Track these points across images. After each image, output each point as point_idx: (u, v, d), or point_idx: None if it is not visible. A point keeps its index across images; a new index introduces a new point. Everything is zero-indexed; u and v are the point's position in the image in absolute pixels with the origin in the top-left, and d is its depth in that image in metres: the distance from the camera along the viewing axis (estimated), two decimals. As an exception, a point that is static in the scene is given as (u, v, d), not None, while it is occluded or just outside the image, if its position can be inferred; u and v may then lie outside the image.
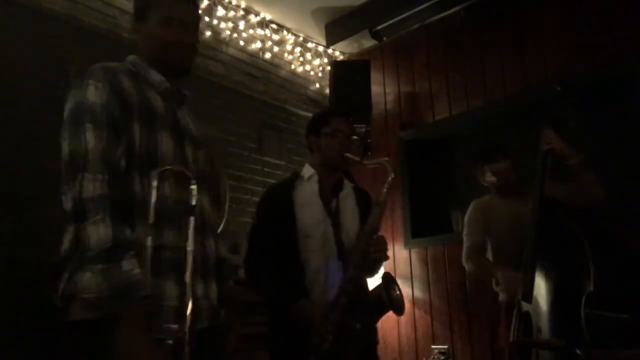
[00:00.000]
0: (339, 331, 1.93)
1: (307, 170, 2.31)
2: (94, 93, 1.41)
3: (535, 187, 2.54)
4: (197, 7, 1.68)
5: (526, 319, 2.39)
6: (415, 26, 4.44)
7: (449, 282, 3.97)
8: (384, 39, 4.64)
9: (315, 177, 2.26)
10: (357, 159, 2.22)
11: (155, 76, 1.56)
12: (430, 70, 4.36)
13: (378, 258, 2.11)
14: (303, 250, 2.12)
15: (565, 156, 2.56)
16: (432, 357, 3.90)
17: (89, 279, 1.30)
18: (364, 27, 4.53)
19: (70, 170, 1.34)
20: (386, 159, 2.21)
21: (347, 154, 2.19)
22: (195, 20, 1.63)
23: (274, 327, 2.16)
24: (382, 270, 2.29)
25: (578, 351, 2.18)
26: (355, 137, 2.34)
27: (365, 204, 2.27)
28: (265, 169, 4.12)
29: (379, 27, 4.54)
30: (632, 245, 2.97)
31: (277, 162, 4.26)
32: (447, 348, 3.87)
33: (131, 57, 1.60)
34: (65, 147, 1.38)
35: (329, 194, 2.25)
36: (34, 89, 2.94)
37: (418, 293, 4.13)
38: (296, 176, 2.33)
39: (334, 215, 2.20)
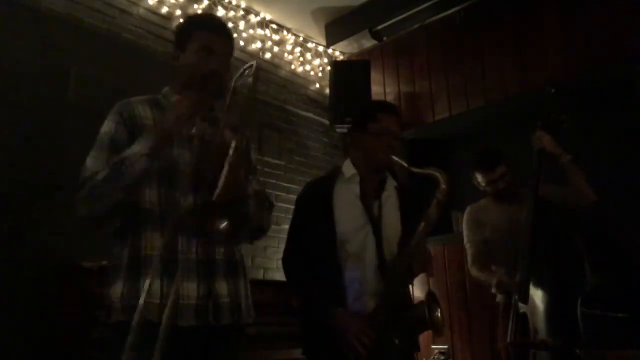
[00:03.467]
0: (377, 345, 1.84)
1: (348, 169, 2.12)
2: (106, 125, 1.64)
3: (531, 188, 2.55)
4: (232, 39, 1.77)
5: (523, 320, 2.39)
6: (415, 26, 4.44)
7: (449, 282, 3.97)
8: (384, 39, 4.64)
9: (357, 178, 2.09)
10: (405, 164, 2.01)
11: None
12: (430, 70, 4.36)
13: (419, 273, 2.03)
14: (341, 255, 2.00)
15: (556, 155, 2.59)
16: (432, 357, 3.90)
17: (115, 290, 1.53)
18: (364, 27, 4.53)
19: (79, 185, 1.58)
20: (439, 170, 1.99)
21: (395, 157, 2.02)
22: (229, 51, 1.74)
23: (310, 333, 2.06)
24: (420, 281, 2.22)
25: (578, 351, 2.19)
26: (402, 137, 2.15)
27: (409, 205, 2.12)
28: (266, 169, 4.12)
29: (379, 27, 4.54)
30: (627, 245, 2.98)
31: (277, 162, 4.25)
32: (447, 348, 3.87)
33: (164, 89, 1.76)
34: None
35: (370, 196, 2.08)
36: (34, 89, 2.94)
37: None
38: (337, 172, 2.16)
39: (375, 222, 2.04)
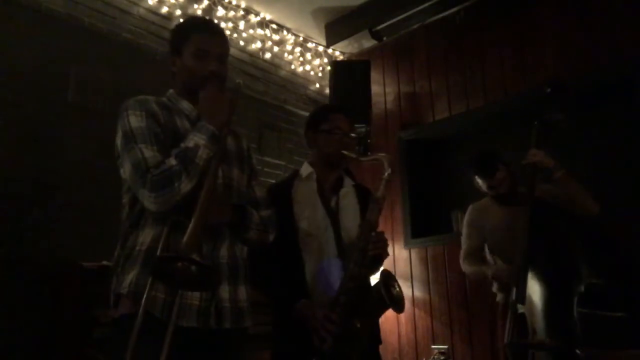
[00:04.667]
0: (341, 330, 1.90)
1: (306, 169, 2.26)
2: (134, 120, 1.57)
3: (527, 193, 2.55)
4: (226, 39, 1.78)
5: (521, 320, 2.39)
6: (415, 26, 4.44)
7: (449, 282, 3.97)
8: (384, 39, 4.65)
9: (314, 176, 2.21)
10: (354, 155, 2.17)
11: (186, 106, 1.71)
12: (430, 70, 4.36)
13: (378, 255, 2.08)
14: (304, 250, 2.09)
15: (548, 169, 2.58)
16: (432, 357, 3.90)
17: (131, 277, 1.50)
18: (364, 27, 4.53)
19: (137, 178, 1.49)
20: (383, 154, 2.14)
21: (344, 151, 2.14)
22: (225, 51, 1.75)
23: (278, 327, 2.14)
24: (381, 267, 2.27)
25: (578, 351, 2.19)
26: (353, 134, 2.25)
27: (367, 201, 2.21)
28: (266, 169, 4.12)
29: (379, 27, 4.54)
30: (624, 245, 2.97)
31: (277, 162, 4.26)
32: (447, 348, 3.87)
33: (169, 92, 1.76)
34: (128, 165, 1.53)
35: (328, 192, 2.21)
36: (34, 89, 2.95)
37: (418, 293, 4.13)
38: (295, 175, 2.29)
39: (333, 214, 2.16)
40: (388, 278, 2.03)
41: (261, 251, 2.09)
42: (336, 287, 2.00)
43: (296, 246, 2.10)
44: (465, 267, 3.02)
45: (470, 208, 3.11)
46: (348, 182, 2.28)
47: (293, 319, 1.99)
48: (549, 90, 2.68)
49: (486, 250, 3.01)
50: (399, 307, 2.03)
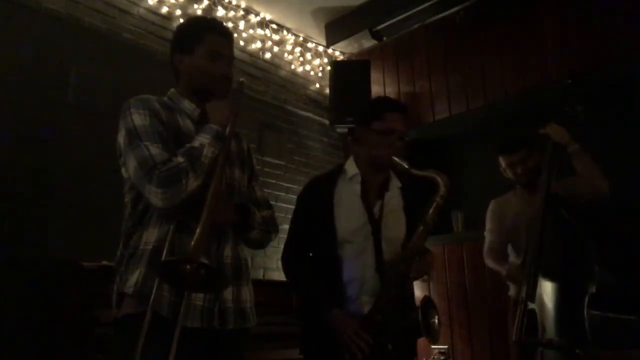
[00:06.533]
0: (370, 348, 1.82)
1: (351, 168, 2.09)
2: (137, 118, 1.57)
3: (543, 182, 2.53)
4: (233, 41, 1.81)
5: (531, 317, 2.37)
6: (415, 26, 4.44)
7: (449, 281, 3.97)
8: (384, 39, 4.64)
9: (358, 178, 2.05)
10: (405, 166, 1.96)
11: (188, 105, 1.71)
12: (430, 70, 4.36)
13: (416, 279, 2.01)
14: (340, 255, 1.97)
15: (563, 143, 2.57)
16: (432, 357, 3.90)
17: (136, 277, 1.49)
18: (364, 27, 4.53)
19: (143, 174, 1.48)
20: (440, 172, 1.95)
21: (395, 158, 1.97)
22: (233, 53, 1.79)
23: (307, 331, 2.04)
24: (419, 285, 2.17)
25: (578, 350, 2.18)
26: (407, 137, 2.06)
27: (413, 206, 2.08)
28: (265, 169, 4.12)
29: (379, 27, 4.54)
30: (637, 245, 2.94)
31: (277, 162, 4.26)
32: (447, 348, 3.87)
33: (170, 91, 1.76)
34: (133, 162, 1.51)
35: (372, 196, 2.04)
36: (34, 89, 2.95)
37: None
38: (340, 170, 2.12)
39: (375, 222, 2.00)
40: (429, 307, 1.92)
41: (297, 251, 2.08)
42: (372, 300, 1.92)
43: (334, 250, 1.97)
44: (487, 262, 3.00)
45: (492, 202, 3.09)
46: (394, 184, 2.11)
47: (323, 327, 1.91)
48: (569, 81, 2.67)
49: (509, 247, 2.98)
50: (433, 339, 1.94)
